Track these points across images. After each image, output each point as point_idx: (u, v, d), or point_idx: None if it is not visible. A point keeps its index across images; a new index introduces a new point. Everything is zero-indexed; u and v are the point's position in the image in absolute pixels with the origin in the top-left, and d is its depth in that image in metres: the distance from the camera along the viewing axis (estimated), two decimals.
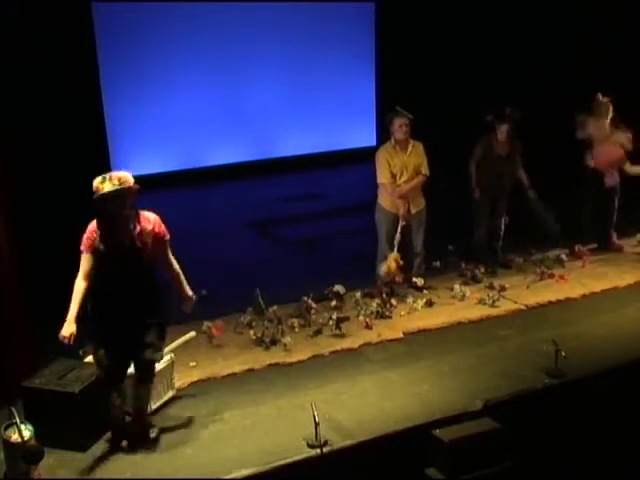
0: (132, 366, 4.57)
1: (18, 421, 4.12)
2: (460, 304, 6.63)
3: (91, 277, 4.36)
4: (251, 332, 6.01)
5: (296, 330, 6.11)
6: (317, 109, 12.64)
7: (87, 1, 10.41)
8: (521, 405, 5.07)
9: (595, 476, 5.03)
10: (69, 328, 4.28)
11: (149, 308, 4.51)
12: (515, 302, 6.64)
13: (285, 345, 5.83)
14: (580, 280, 7.08)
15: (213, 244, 8.56)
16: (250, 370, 5.54)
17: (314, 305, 6.37)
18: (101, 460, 4.46)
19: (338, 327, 6.06)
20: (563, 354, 5.23)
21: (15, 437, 4.12)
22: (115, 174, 4.32)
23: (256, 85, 12.00)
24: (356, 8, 12.67)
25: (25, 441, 4.10)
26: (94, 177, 4.43)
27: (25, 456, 4.07)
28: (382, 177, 6.69)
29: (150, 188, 11.66)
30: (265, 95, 12.09)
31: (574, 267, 7.37)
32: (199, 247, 8.39)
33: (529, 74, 10.93)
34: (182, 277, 4.72)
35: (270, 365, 5.61)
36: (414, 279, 6.86)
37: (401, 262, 6.67)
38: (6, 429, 4.18)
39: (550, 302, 6.65)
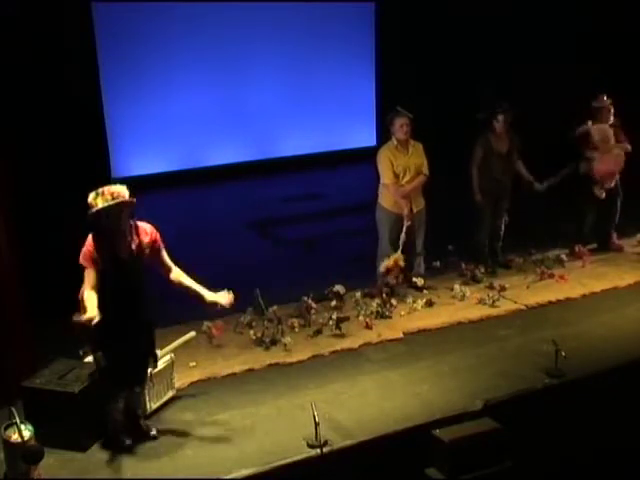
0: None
1: (18, 421, 4.12)
2: (460, 304, 6.63)
3: (97, 288, 4.33)
4: (251, 332, 6.01)
5: (296, 330, 6.11)
6: (317, 109, 12.64)
7: (87, 1, 10.41)
8: (521, 405, 5.07)
9: (595, 476, 5.02)
10: (92, 313, 4.16)
11: (146, 313, 4.57)
12: (515, 302, 6.64)
13: (285, 345, 5.82)
14: (580, 280, 7.08)
15: (213, 244, 8.56)
16: (250, 370, 5.54)
17: (314, 305, 6.37)
18: (101, 460, 4.45)
19: (338, 327, 6.06)
20: (563, 354, 5.23)
21: (15, 437, 4.12)
22: (108, 189, 4.30)
23: (256, 85, 12.00)
24: (356, 8, 12.67)
25: (25, 441, 4.10)
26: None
27: (25, 456, 4.07)
28: (385, 178, 6.68)
29: (150, 188, 11.80)
30: (265, 95, 12.09)
31: (574, 267, 7.37)
32: (199, 247, 8.40)
33: (529, 74, 10.93)
34: (191, 281, 4.66)
35: (270, 365, 5.61)
36: (414, 279, 6.86)
37: (402, 263, 6.66)
38: (6, 429, 4.18)
39: (550, 302, 6.65)
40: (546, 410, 5.10)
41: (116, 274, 4.35)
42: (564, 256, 7.50)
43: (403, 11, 11.78)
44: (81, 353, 5.08)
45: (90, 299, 4.24)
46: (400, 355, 5.76)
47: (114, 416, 4.50)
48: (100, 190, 4.29)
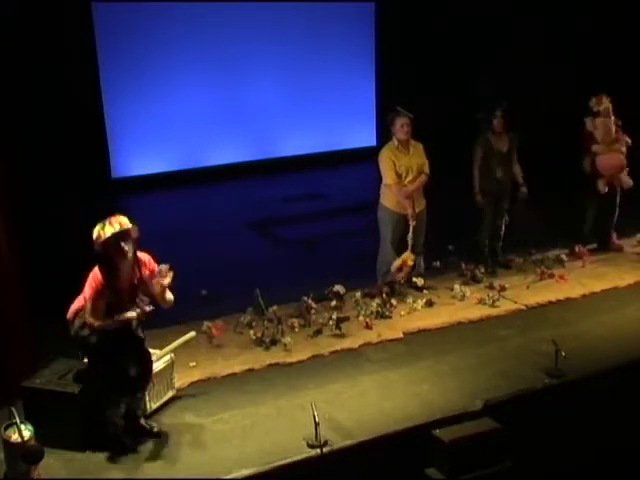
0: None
1: (18, 421, 4.12)
2: (460, 304, 6.62)
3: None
4: (251, 332, 6.01)
5: (296, 330, 6.10)
6: (317, 109, 12.64)
7: (87, 1, 10.42)
8: (521, 405, 5.07)
9: (595, 476, 5.03)
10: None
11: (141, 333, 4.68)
12: (515, 302, 6.63)
13: (285, 345, 5.82)
14: (580, 280, 7.08)
15: (213, 244, 8.56)
16: (250, 370, 5.53)
17: (314, 305, 6.37)
18: (101, 460, 4.45)
19: (338, 327, 6.06)
20: (563, 354, 5.23)
21: (15, 437, 4.12)
22: (115, 218, 4.40)
23: (256, 85, 12.00)
24: (356, 8, 12.67)
25: (25, 441, 4.10)
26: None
27: (25, 456, 4.07)
28: (388, 178, 6.67)
29: (150, 188, 11.80)
30: (265, 95, 12.09)
31: (574, 267, 7.37)
32: (199, 247, 8.41)
33: (529, 74, 10.94)
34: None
35: (270, 365, 5.60)
36: (414, 279, 6.85)
37: (411, 262, 6.67)
38: (6, 429, 4.18)
39: (550, 302, 6.65)
40: (546, 410, 5.09)
41: (121, 299, 4.45)
42: (564, 256, 7.49)
43: (403, 11, 11.79)
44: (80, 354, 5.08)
45: (107, 322, 4.39)
46: (400, 355, 5.76)
47: (115, 420, 4.50)
48: (105, 221, 4.37)
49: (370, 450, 4.56)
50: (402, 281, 6.77)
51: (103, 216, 4.47)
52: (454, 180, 7.81)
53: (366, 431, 4.67)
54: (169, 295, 4.63)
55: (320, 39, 12.37)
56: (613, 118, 7.55)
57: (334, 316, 6.15)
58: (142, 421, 4.69)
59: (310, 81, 12.46)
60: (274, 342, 5.89)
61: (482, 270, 7.19)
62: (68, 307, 4.63)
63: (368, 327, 6.16)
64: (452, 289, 6.79)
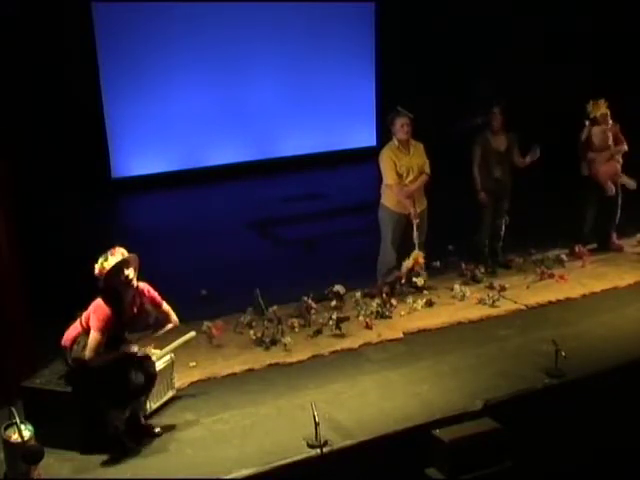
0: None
1: (18, 421, 4.12)
2: (460, 304, 6.62)
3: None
4: (251, 332, 6.01)
5: (296, 330, 6.10)
6: (317, 109, 12.64)
7: (87, 1, 10.42)
8: (521, 405, 5.07)
9: (595, 476, 5.02)
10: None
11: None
12: (515, 302, 6.63)
13: (285, 345, 5.82)
14: (580, 280, 7.07)
15: (213, 244, 8.56)
16: (250, 370, 5.53)
17: (314, 305, 6.37)
18: (101, 460, 4.45)
19: (338, 327, 6.06)
20: (563, 354, 5.23)
21: (15, 437, 4.12)
22: (115, 249, 4.49)
23: (256, 85, 12.01)
24: (356, 8, 12.68)
25: (25, 441, 4.10)
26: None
27: (25, 456, 4.07)
28: (389, 178, 6.67)
29: (150, 188, 11.80)
30: (265, 95, 12.09)
31: (574, 267, 7.36)
32: (199, 247, 8.41)
33: (529, 74, 10.95)
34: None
35: (270, 365, 5.60)
36: (414, 279, 6.85)
37: (422, 260, 6.70)
38: (6, 429, 4.18)
39: (550, 302, 6.64)
40: (546, 410, 5.09)
41: (115, 335, 4.50)
42: (564, 256, 7.49)
43: (403, 11, 11.79)
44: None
45: (106, 357, 4.43)
46: (400, 355, 5.75)
47: (117, 423, 4.49)
48: (106, 253, 4.45)
49: (370, 450, 4.56)
50: (404, 280, 6.77)
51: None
52: (454, 180, 7.81)
53: (366, 431, 4.66)
54: (174, 317, 4.86)
55: (320, 39, 12.38)
56: (611, 123, 7.56)
57: (334, 316, 6.15)
58: (142, 421, 4.70)
59: (310, 81, 12.47)
60: (274, 342, 5.89)
61: (482, 270, 7.18)
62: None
63: (368, 327, 6.16)
64: (452, 289, 6.79)
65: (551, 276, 7.11)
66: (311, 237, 8.85)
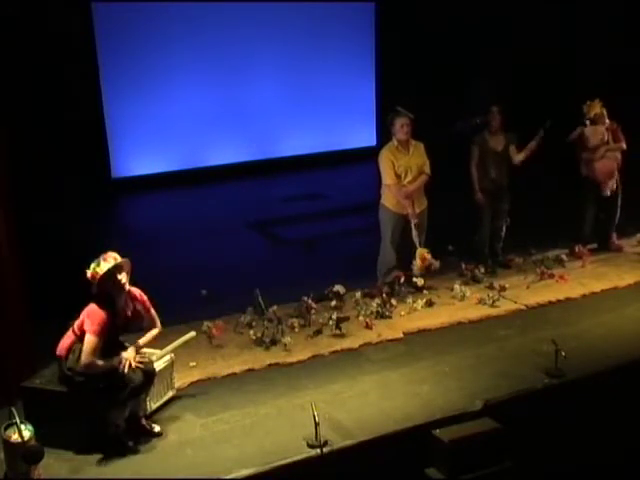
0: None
1: (18, 421, 4.12)
2: (460, 304, 6.62)
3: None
4: (251, 332, 6.01)
5: (296, 330, 6.10)
6: (317, 109, 12.64)
7: (87, 1, 10.42)
8: (521, 405, 5.07)
9: (595, 476, 5.03)
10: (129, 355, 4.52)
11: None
12: (515, 302, 6.63)
13: (285, 345, 5.82)
14: (580, 280, 7.07)
15: (213, 244, 8.56)
16: (250, 370, 5.53)
17: (314, 305, 6.37)
18: (101, 460, 4.45)
19: (338, 327, 6.06)
20: (563, 354, 5.23)
21: (15, 437, 4.12)
22: (108, 254, 4.51)
23: (256, 85, 12.01)
24: (356, 8, 12.68)
25: (25, 441, 4.10)
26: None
27: (25, 456, 4.06)
28: (387, 178, 6.68)
29: (150, 188, 11.80)
30: (265, 95, 12.09)
31: (574, 267, 7.36)
32: (199, 247, 8.41)
33: (529, 74, 10.94)
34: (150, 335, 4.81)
35: (270, 365, 5.60)
36: (414, 279, 6.85)
37: (428, 256, 6.69)
38: (6, 429, 4.18)
39: (550, 302, 6.64)
40: (546, 410, 5.09)
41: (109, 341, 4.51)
42: (564, 256, 7.49)
43: (403, 11, 11.78)
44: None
45: (101, 364, 4.43)
46: (400, 355, 5.75)
47: (117, 423, 4.49)
48: (99, 258, 4.47)
49: (370, 450, 4.56)
50: (403, 280, 6.77)
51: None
52: (454, 180, 7.81)
53: (366, 431, 4.66)
54: (158, 323, 4.85)
55: (320, 39, 12.38)
56: (608, 122, 7.56)
57: (334, 316, 6.15)
58: (143, 421, 4.70)
59: (310, 81, 12.47)
60: (274, 342, 5.89)
61: (482, 270, 7.18)
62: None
63: (368, 327, 6.16)
64: (452, 289, 6.79)
65: (551, 276, 7.11)
66: (311, 237, 8.85)
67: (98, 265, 4.43)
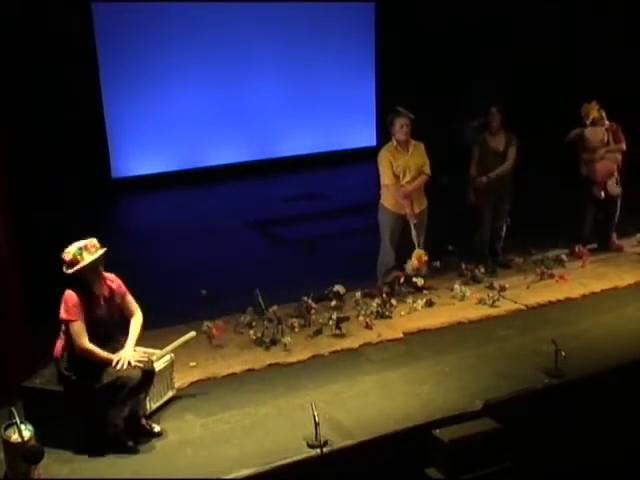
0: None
1: (18, 421, 4.12)
2: (460, 304, 6.62)
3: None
4: (251, 332, 6.01)
5: (296, 330, 6.10)
6: (317, 109, 12.64)
7: (87, 1, 10.42)
8: (521, 405, 5.07)
9: (595, 476, 5.03)
10: (123, 355, 4.48)
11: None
12: (515, 302, 6.63)
13: (285, 345, 5.82)
14: (580, 280, 7.07)
15: (213, 244, 8.57)
16: (250, 370, 5.53)
17: (314, 305, 6.36)
18: (101, 460, 4.45)
19: (338, 327, 6.05)
20: (563, 354, 5.23)
21: (15, 437, 4.12)
22: (90, 242, 4.48)
23: (256, 85, 12.00)
24: (356, 8, 12.67)
25: (25, 441, 4.10)
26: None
27: (25, 456, 4.07)
28: (385, 178, 6.68)
29: (150, 188, 11.81)
30: (265, 95, 12.09)
31: (574, 267, 7.36)
32: (199, 247, 8.41)
33: (529, 74, 10.94)
34: (133, 332, 4.70)
35: (270, 365, 5.60)
36: (414, 279, 6.85)
37: (425, 257, 6.69)
38: (6, 429, 4.18)
39: (550, 302, 6.64)
40: (546, 410, 5.09)
41: (96, 322, 4.50)
42: (564, 256, 7.48)
43: (403, 11, 11.79)
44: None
45: (97, 351, 4.43)
46: (400, 355, 5.75)
47: (116, 422, 4.49)
48: (82, 245, 4.45)
49: (370, 450, 4.56)
50: (402, 280, 6.77)
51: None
52: (454, 180, 7.82)
53: (366, 431, 4.66)
54: (138, 311, 4.77)
55: (320, 39, 12.38)
56: (607, 123, 7.56)
57: (334, 316, 6.14)
58: (142, 421, 4.70)
59: (310, 81, 12.47)
60: (274, 342, 5.89)
61: (482, 270, 7.18)
62: None
63: (368, 327, 6.16)
64: (452, 289, 6.79)
65: (551, 276, 7.11)
66: (311, 237, 8.85)
67: (80, 254, 4.40)
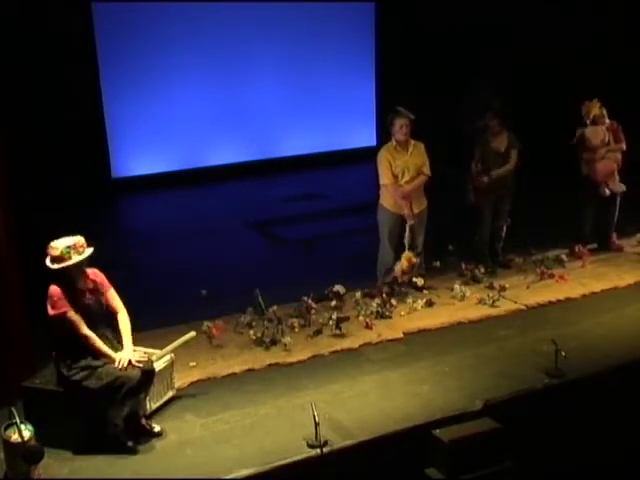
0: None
1: (18, 421, 4.12)
2: (460, 304, 6.62)
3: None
4: (251, 332, 6.01)
5: (296, 330, 6.10)
6: (317, 109, 12.64)
7: (87, 1, 10.42)
8: (521, 405, 5.07)
9: (595, 476, 5.03)
10: (124, 355, 4.50)
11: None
12: (515, 302, 6.63)
13: (285, 345, 5.82)
14: (580, 280, 7.07)
15: (213, 244, 8.57)
16: (250, 370, 5.53)
17: (314, 305, 6.36)
18: (101, 460, 4.45)
19: (338, 327, 6.05)
20: (563, 354, 5.23)
21: (15, 437, 4.12)
22: (78, 241, 4.47)
23: (256, 85, 12.01)
24: (356, 8, 12.68)
25: (25, 441, 4.10)
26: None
27: (25, 456, 4.07)
28: (384, 178, 6.68)
29: (150, 188, 11.81)
30: (265, 95, 12.09)
31: (574, 267, 7.36)
32: (199, 247, 8.41)
33: (529, 74, 10.94)
34: (125, 330, 4.70)
35: (270, 365, 5.60)
36: (414, 279, 6.85)
37: (415, 260, 6.69)
38: (6, 429, 4.18)
39: (550, 302, 6.64)
40: (546, 410, 5.09)
41: (85, 311, 4.50)
42: (564, 256, 7.48)
43: (403, 11, 11.79)
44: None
45: (97, 343, 4.47)
46: (400, 355, 5.75)
47: (116, 422, 4.49)
48: (70, 244, 4.43)
49: (370, 450, 4.56)
50: (407, 280, 6.77)
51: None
52: (454, 180, 7.82)
53: (366, 431, 4.66)
54: (122, 307, 4.76)
55: (320, 39, 12.38)
56: (608, 122, 7.56)
57: (334, 316, 6.14)
58: (142, 421, 4.70)
59: (310, 81, 12.47)
60: (274, 342, 5.88)
61: (482, 270, 7.17)
62: None
63: (368, 327, 6.16)
64: (452, 289, 6.79)
65: (551, 276, 7.11)
66: (311, 237, 8.85)
67: (68, 252, 4.39)
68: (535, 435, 4.91)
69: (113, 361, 4.46)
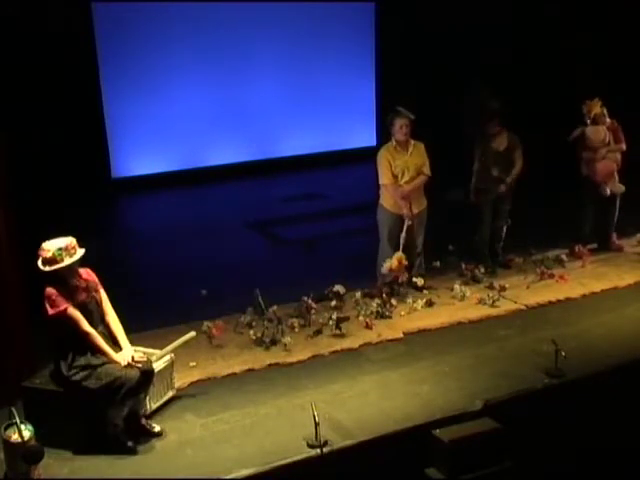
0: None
1: (18, 421, 4.12)
2: (460, 304, 6.62)
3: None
4: (251, 332, 6.01)
5: (296, 330, 6.10)
6: (317, 109, 12.64)
7: (87, 1, 10.42)
8: (521, 405, 5.07)
9: (595, 476, 5.03)
10: (126, 354, 4.53)
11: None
12: (515, 302, 6.63)
13: (285, 345, 5.82)
14: (580, 280, 7.07)
15: (213, 244, 8.56)
16: (250, 370, 5.53)
17: (314, 305, 6.36)
18: (101, 460, 4.45)
19: (338, 327, 6.05)
20: (563, 354, 5.23)
21: (15, 437, 4.12)
22: (70, 243, 4.47)
23: (256, 85, 12.01)
24: (356, 8, 12.68)
25: (25, 441, 4.10)
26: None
27: (25, 456, 4.07)
28: (384, 178, 6.68)
29: (150, 188, 11.80)
30: (265, 95, 12.09)
31: (574, 267, 7.36)
32: (199, 247, 8.41)
33: (529, 74, 10.95)
34: (118, 330, 4.71)
35: (270, 365, 5.60)
36: (414, 279, 6.85)
37: (405, 262, 6.68)
38: (6, 429, 4.18)
39: (550, 302, 6.64)
40: (546, 410, 5.09)
41: (82, 307, 4.51)
42: (564, 256, 7.48)
43: (403, 11, 11.79)
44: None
45: (100, 342, 4.48)
46: (400, 355, 5.75)
47: (116, 422, 4.49)
48: (62, 246, 4.42)
49: (370, 450, 4.56)
50: (402, 280, 6.77)
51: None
52: (454, 180, 7.82)
53: (366, 431, 4.66)
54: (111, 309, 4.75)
55: (320, 39, 12.38)
56: (608, 121, 7.56)
57: (334, 316, 6.14)
58: (142, 421, 4.70)
59: (310, 81, 12.47)
60: (274, 342, 5.88)
61: (482, 270, 7.18)
62: None
63: (368, 327, 6.16)
64: (452, 289, 6.79)
65: (551, 276, 7.11)
66: (311, 237, 8.85)
67: (60, 255, 4.39)
68: (535, 435, 4.91)
69: (113, 360, 4.46)
